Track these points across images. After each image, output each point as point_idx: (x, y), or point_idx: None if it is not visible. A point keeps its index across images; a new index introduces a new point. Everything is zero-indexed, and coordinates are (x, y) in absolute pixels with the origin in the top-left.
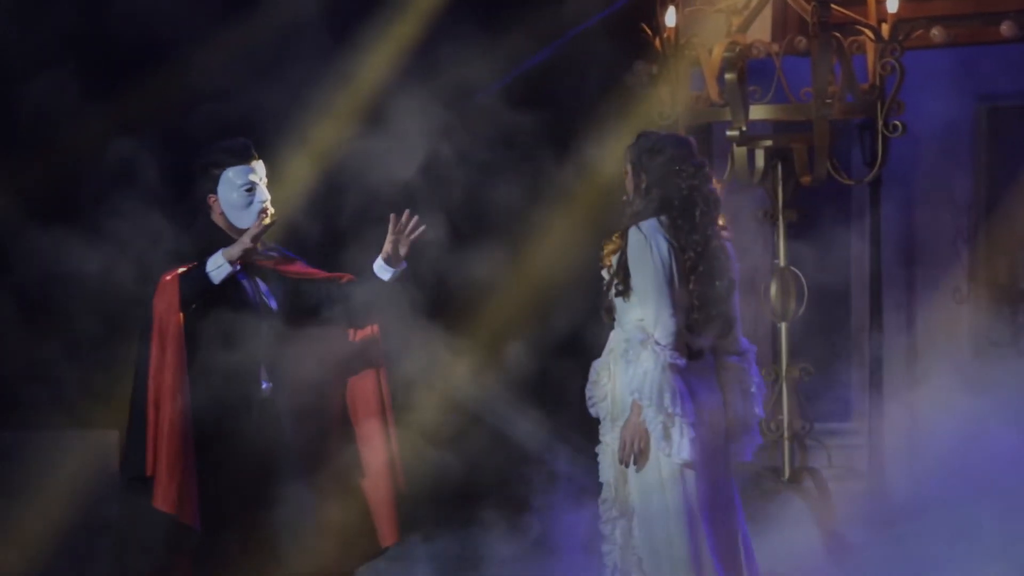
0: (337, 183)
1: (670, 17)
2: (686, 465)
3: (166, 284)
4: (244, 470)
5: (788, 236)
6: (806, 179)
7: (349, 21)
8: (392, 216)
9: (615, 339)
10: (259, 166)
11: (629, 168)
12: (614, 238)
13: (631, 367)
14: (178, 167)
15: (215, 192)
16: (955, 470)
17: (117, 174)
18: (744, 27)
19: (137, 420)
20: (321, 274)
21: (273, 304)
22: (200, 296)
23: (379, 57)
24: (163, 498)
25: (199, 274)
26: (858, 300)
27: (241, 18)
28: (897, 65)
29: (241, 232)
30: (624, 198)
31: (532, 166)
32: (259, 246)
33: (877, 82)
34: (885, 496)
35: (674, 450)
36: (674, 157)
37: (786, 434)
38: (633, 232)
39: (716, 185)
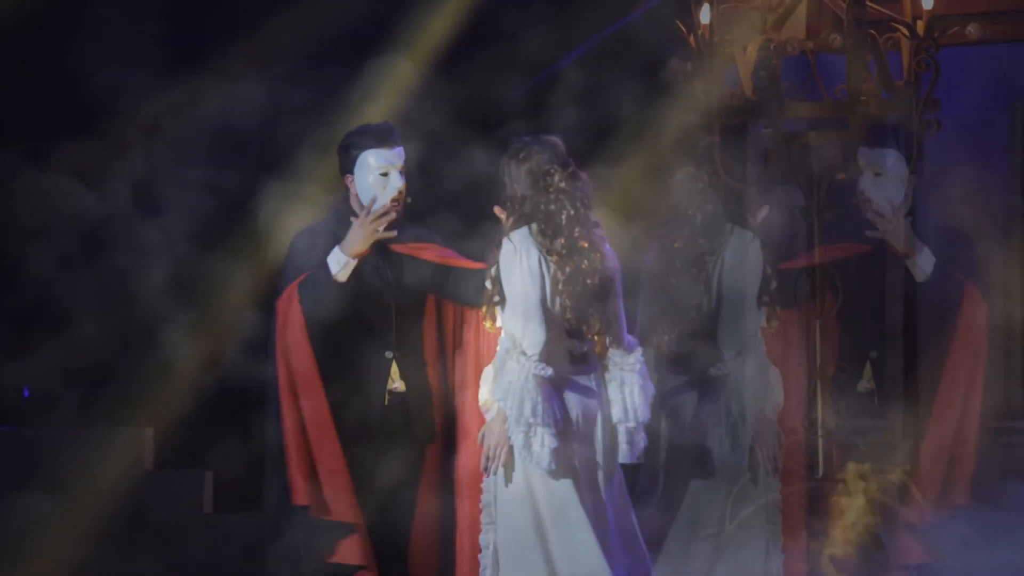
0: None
1: (704, 14)
2: (553, 473)
3: (285, 301)
4: (377, 474)
5: (822, 233)
6: (841, 176)
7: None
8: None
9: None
10: (399, 152)
11: (505, 178)
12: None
13: (499, 375)
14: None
15: (352, 172)
16: (991, 467)
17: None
18: (779, 24)
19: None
20: (461, 261)
21: (405, 293)
22: (327, 299)
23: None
24: (357, 554)
25: (321, 275)
26: (892, 297)
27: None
28: (932, 62)
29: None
30: (507, 205)
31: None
32: (388, 233)
33: (912, 79)
34: (920, 493)
35: (535, 459)
36: (540, 163)
37: (820, 432)
38: (505, 243)
39: (589, 182)
